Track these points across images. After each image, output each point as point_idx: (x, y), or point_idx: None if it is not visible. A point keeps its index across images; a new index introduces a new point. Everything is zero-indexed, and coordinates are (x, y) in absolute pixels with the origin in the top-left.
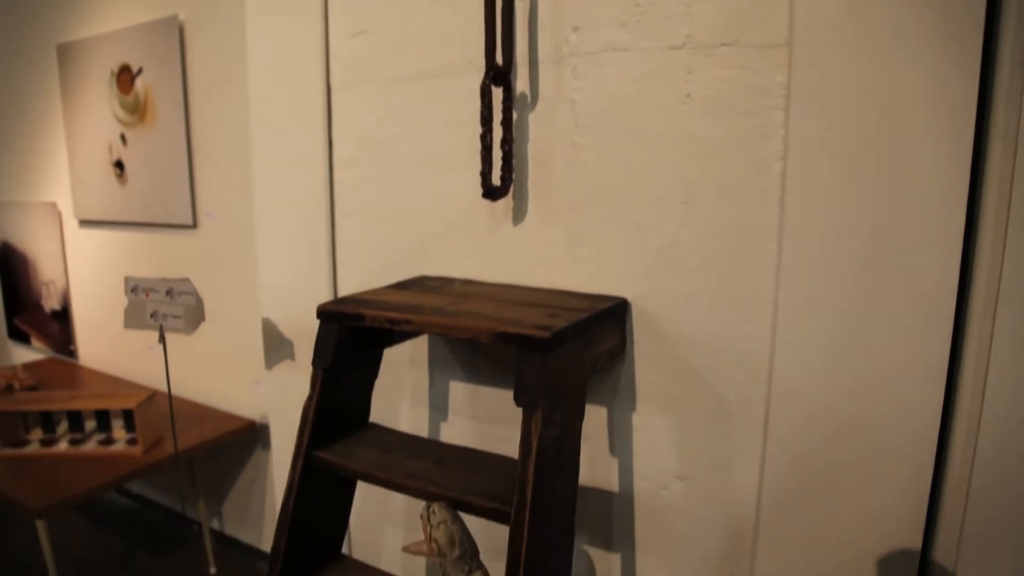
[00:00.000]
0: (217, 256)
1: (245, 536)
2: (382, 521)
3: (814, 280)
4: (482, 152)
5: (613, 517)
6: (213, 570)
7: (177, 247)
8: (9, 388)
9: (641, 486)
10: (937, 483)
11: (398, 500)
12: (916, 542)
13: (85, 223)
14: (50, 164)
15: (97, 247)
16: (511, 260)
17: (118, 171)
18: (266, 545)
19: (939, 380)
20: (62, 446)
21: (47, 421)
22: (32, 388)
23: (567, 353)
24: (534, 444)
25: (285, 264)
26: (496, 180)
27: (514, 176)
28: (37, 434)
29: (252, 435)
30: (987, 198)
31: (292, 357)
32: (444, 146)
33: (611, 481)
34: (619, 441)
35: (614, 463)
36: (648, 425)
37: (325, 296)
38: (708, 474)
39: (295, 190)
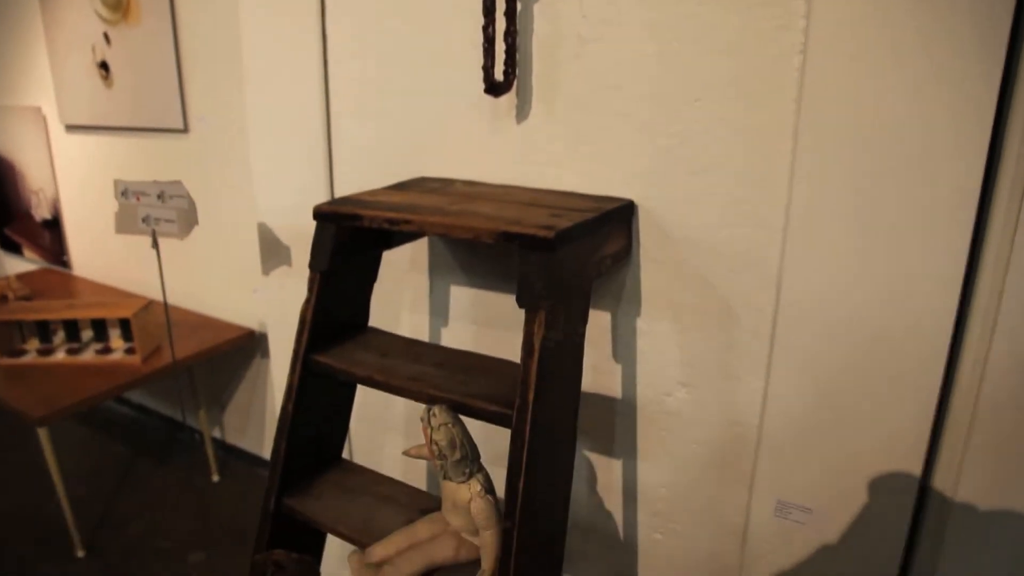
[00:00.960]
0: (210, 161)
1: (246, 444)
2: (382, 427)
3: (829, 184)
4: (484, 45)
5: (615, 423)
6: (215, 478)
7: (169, 153)
8: (3, 299)
9: (644, 393)
10: (944, 404)
11: (398, 405)
12: (917, 466)
13: (72, 128)
14: (31, 65)
15: (85, 154)
16: (514, 160)
17: (103, 73)
18: (267, 453)
19: (954, 292)
20: (59, 356)
21: (43, 331)
22: (26, 298)
23: (571, 254)
24: (536, 346)
25: (280, 167)
26: (499, 75)
27: (518, 71)
28: (34, 344)
29: (251, 343)
30: (1018, 98)
31: (289, 263)
32: (445, 40)
33: (614, 387)
34: (622, 347)
35: (617, 369)
36: (652, 331)
37: (322, 199)
38: (712, 382)
39: (289, 89)
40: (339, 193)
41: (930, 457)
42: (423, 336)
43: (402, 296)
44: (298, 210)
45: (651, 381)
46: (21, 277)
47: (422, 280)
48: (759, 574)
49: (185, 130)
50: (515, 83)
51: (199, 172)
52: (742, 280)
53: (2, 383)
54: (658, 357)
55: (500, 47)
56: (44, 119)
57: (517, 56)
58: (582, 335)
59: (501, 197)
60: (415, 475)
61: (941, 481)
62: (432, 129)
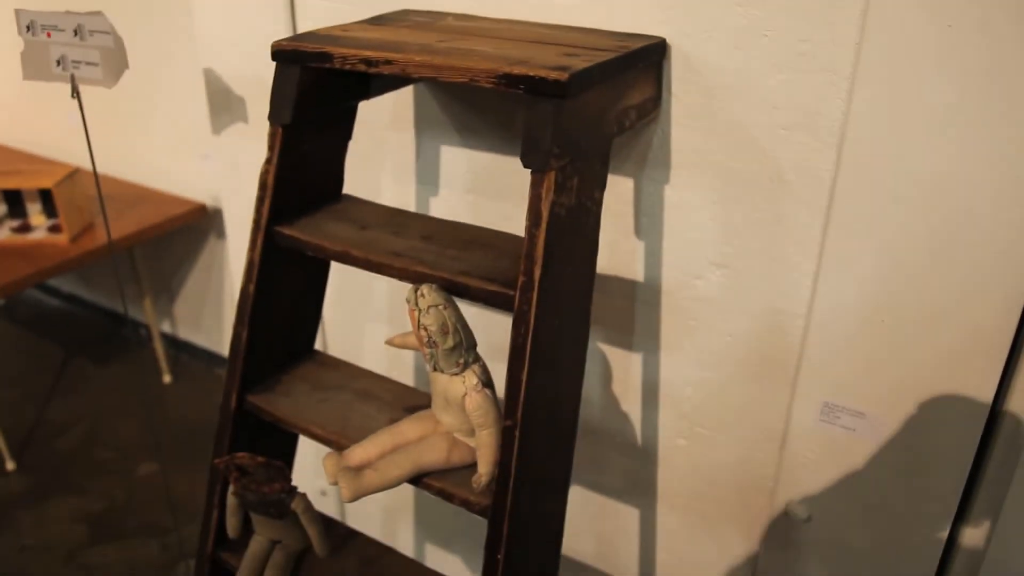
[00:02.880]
0: None
1: (202, 340)
2: (361, 315)
3: (913, 16)
4: None
5: (635, 310)
6: (166, 378)
7: None
8: None
9: (670, 275)
10: None
11: (381, 289)
12: (994, 377)
13: None
14: None
15: None
16: None
17: None
18: (227, 350)
19: None
20: None
21: None
22: None
23: (588, 103)
24: (545, 214)
25: None
26: None
27: None
28: None
29: (203, 221)
30: None
31: (245, 119)
32: None
33: (634, 268)
34: (647, 220)
35: (639, 247)
36: (683, 201)
37: (283, 36)
38: (753, 263)
39: None
40: (303, 29)
41: (1009, 368)
42: (409, 207)
43: (383, 159)
44: (253, 51)
45: (679, 261)
46: None
47: (407, 140)
48: (798, 486)
49: None
50: None
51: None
52: (796, 138)
53: None
54: (689, 233)
55: None
56: None
57: None
58: (599, 203)
59: (502, 34)
60: (401, 371)
61: (1019, 401)
62: None
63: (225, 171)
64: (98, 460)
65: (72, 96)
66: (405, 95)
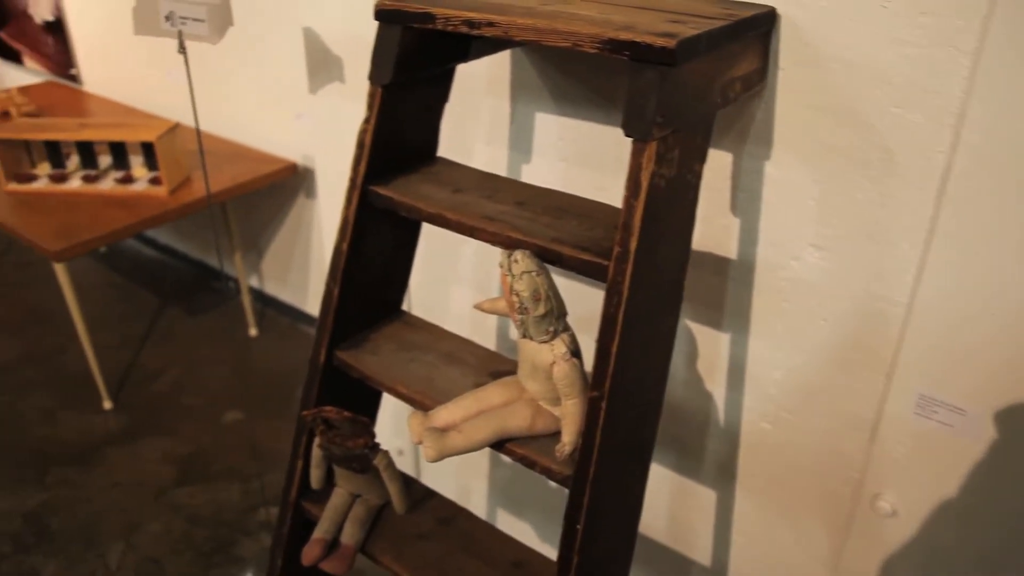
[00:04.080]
0: None
1: (287, 296)
2: (447, 278)
3: None
4: None
5: (726, 289)
6: (253, 331)
7: None
8: (5, 115)
9: (766, 253)
10: None
11: (467, 253)
12: None
13: None
14: None
15: None
16: None
17: None
18: (311, 307)
19: None
20: (74, 183)
21: (54, 154)
22: (32, 115)
23: (694, 72)
24: (644, 184)
25: None
26: None
27: None
28: (44, 168)
29: (294, 179)
30: None
31: (341, 79)
32: None
33: (728, 245)
34: (744, 196)
35: (734, 223)
36: (784, 178)
37: None
38: (854, 245)
39: None
40: None
41: None
42: (500, 173)
43: (476, 123)
44: (353, 11)
45: (776, 240)
46: (24, 91)
47: (501, 105)
48: (886, 480)
49: None
50: None
51: None
52: (911, 117)
53: (13, 211)
54: (788, 211)
55: None
56: None
57: None
58: (699, 176)
59: None
60: (483, 335)
61: None
62: None
63: (320, 130)
64: (187, 405)
65: (179, 51)
66: (502, 59)
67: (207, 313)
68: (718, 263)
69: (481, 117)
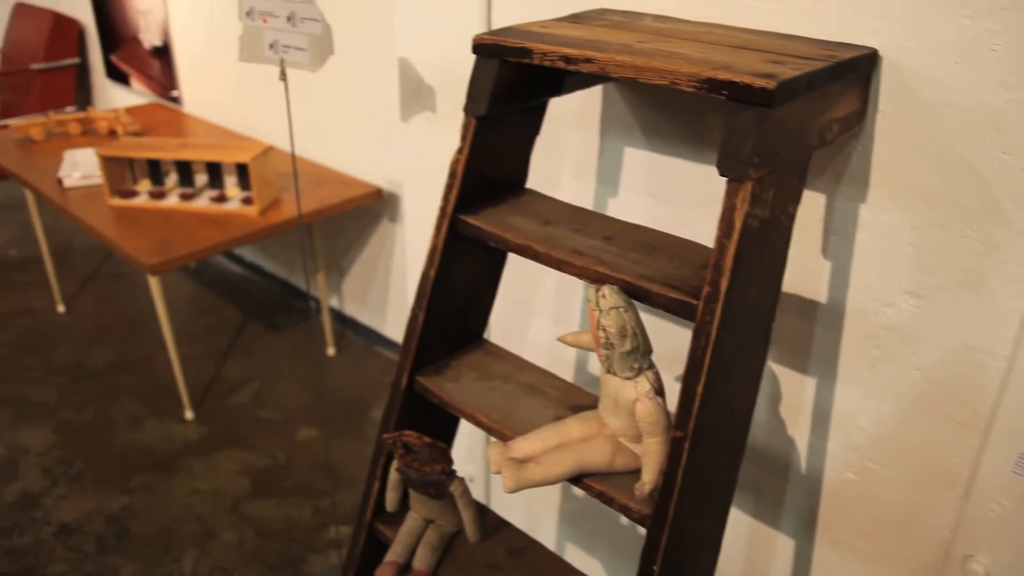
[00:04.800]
0: None
1: (366, 318)
2: (527, 309)
3: None
4: None
5: (815, 333)
6: (331, 351)
7: None
8: (112, 133)
9: (857, 299)
10: None
11: (549, 284)
12: None
13: None
14: None
15: None
16: None
17: None
18: (389, 330)
19: None
20: (172, 200)
21: (155, 172)
22: (137, 134)
23: (793, 113)
24: (737, 224)
25: None
26: None
27: None
28: (145, 185)
29: (379, 204)
30: None
31: (432, 108)
32: None
33: (818, 288)
34: (837, 238)
35: (825, 267)
36: (879, 222)
37: (476, 32)
38: (952, 294)
39: None
40: (497, 24)
41: None
42: (586, 206)
43: (564, 156)
44: (447, 44)
45: (869, 286)
46: (130, 111)
47: (591, 138)
48: (979, 540)
49: None
50: None
51: None
52: (1019, 164)
53: (114, 225)
54: (883, 256)
55: None
56: None
57: None
58: (792, 218)
59: (702, 37)
60: (562, 367)
61: None
62: None
63: (408, 157)
64: (264, 419)
65: (280, 78)
66: (593, 94)
67: (287, 330)
68: (807, 306)
69: (570, 150)
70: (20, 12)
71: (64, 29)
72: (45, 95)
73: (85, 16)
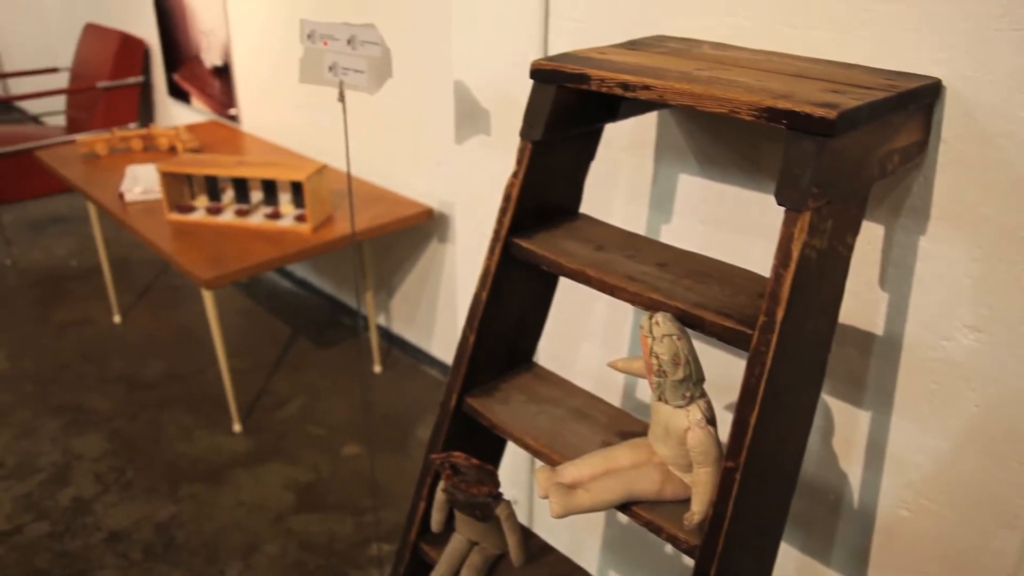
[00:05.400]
0: (397, 5)
1: (412, 337)
2: (575, 332)
3: None
4: None
5: (870, 366)
6: (377, 368)
7: None
8: (172, 149)
9: (915, 332)
10: None
11: (598, 309)
12: None
13: None
14: None
15: None
16: (779, 19)
17: None
18: (435, 349)
19: None
20: (228, 216)
21: (212, 188)
22: (195, 151)
23: (853, 144)
24: (795, 254)
25: (485, 15)
26: None
27: None
28: (203, 201)
29: (429, 224)
30: None
31: (487, 131)
32: None
33: (875, 320)
34: (895, 270)
35: (883, 298)
36: (939, 254)
37: (532, 57)
38: (1014, 329)
39: None
40: (553, 50)
41: None
42: (639, 231)
43: (618, 181)
44: (503, 68)
45: (927, 319)
46: (190, 128)
47: (644, 164)
48: None
49: None
50: None
51: (384, 16)
52: None
53: (172, 239)
54: (942, 289)
55: None
56: None
57: None
58: (850, 249)
59: (761, 65)
60: (610, 392)
61: None
62: None
63: (460, 179)
64: (310, 434)
65: (338, 100)
66: (647, 119)
67: (335, 346)
68: (862, 338)
69: (623, 175)
70: (90, 32)
71: (130, 49)
72: (110, 112)
73: (150, 36)
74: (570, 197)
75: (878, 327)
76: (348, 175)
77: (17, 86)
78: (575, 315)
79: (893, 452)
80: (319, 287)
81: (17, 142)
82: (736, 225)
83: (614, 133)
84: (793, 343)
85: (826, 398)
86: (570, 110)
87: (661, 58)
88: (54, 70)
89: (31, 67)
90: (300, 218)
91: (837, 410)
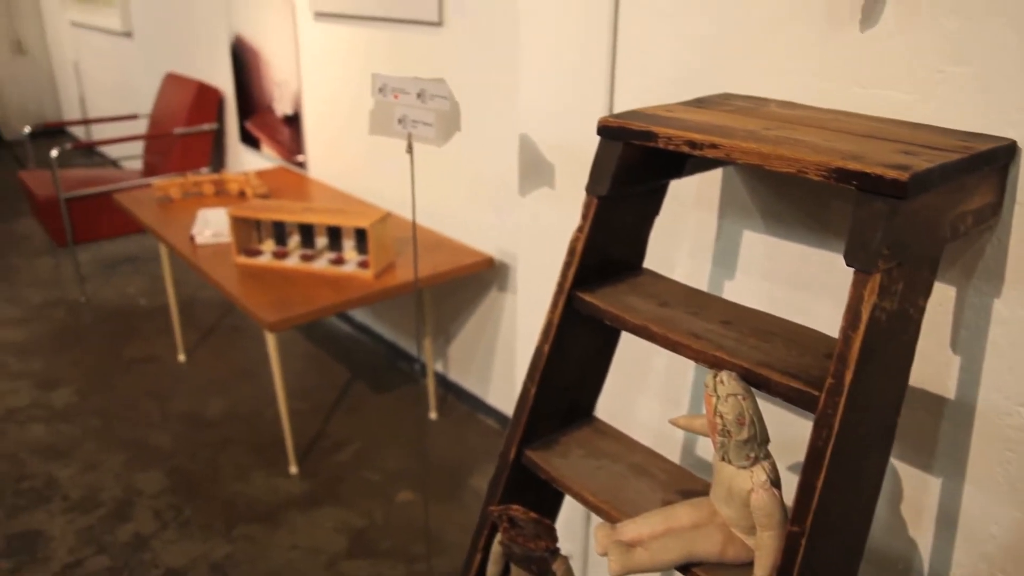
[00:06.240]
0: (465, 59)
1: (469, 384)
2: (635, 387)
3: None
4: None
5: (940, 431)
6: (433, 415)
7: (419, 47)
8: (242, 194)
9: (989, 397)
10: None
11: (659, 364)
12: None
13: (321, 16)
14: None
15: (332, 44)
16: (849, 78)
17: None
18: (492, 398)
19: None
20: (293, 261)
21: (279, 233)
22: (264, 197)
23: (925, 206)
24: (864, 316)
25: (552, 71)
26: None
27: None
28: (269, 245)
29: (489, 272)
30: None
31: (551, 184)
32: None
33: (946, 384)
34: (967, 334)
35: (954, 362)
36: (1015, 318)
37: (598, 113)
38: None
39: None
40: (619, 107)
41: None
42: (701, 287)
43: (681, 236)
44: (568, 123)
45: (1001, 384)
46: (259, 174)
47: (708, 220)
48: None
49: (439, 23)
50: None
51: (451, 69)
52: None
53: (239, 282)
54: (1017, 354)
55: None
56: (292, 4)
57: None
58: (922, 311)
59: (829, 124)
60: (669, 448)
61: None
62: (742, 34)
63: (524, 230)
64: (365, 479)
65: (406, 151)
66: (713, 176)
67: (392, 392)
68: (933, 401)
69: (687, 230)
70: (170, 81)
71: (206, 97)
72: (184, 157)
73: (226, 85)
74: (634, 252)
75: (950, 391)
76: (413, 225)
77: (99, 131)
78: (635, 369)
79: (966, 521)
80: (377, 332)
81: (97, 185)
82: (801, 283)
83: (678, 187)
84: (861, 406)
85: (895, 462)
86: (636, 166)
87: (728, 116)
88: (134, 116)
89: (113, 113)
90: (363, 264)
91: (907, 475)
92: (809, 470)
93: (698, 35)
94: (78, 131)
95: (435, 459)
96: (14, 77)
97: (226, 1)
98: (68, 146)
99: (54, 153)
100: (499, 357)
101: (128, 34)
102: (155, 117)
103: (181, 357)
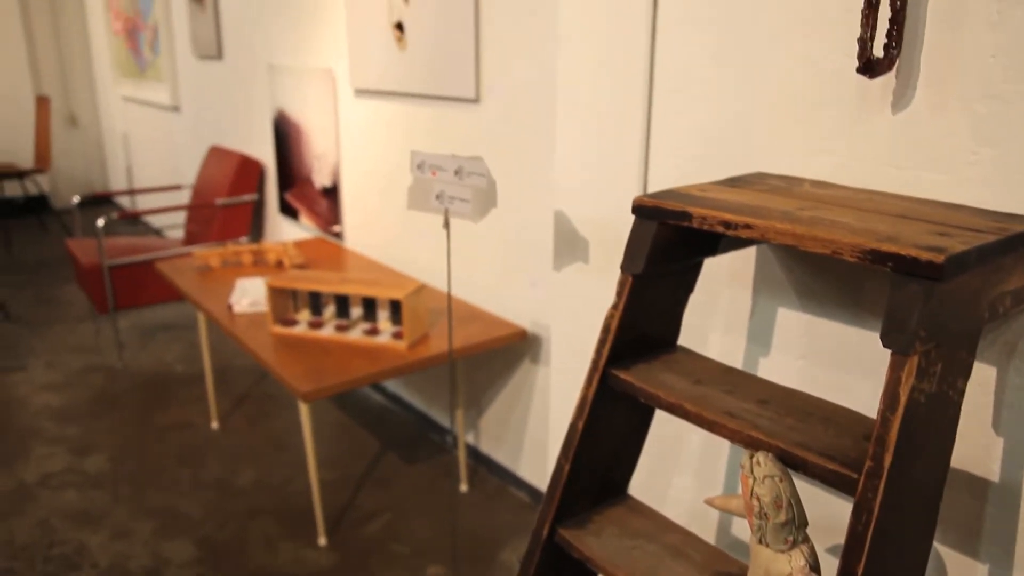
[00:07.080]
0: (501, 136)
1: (501, 457)
2: (669, 465)
3: None
4: (864, 10)
5: (985, 514)
6: (463, 487)
7: (456, 123)
8: (279, 264)
9: None
10: None
11: (693, 442)
12: None
13: (360, 92)
14: (327, 25)
15: (370, 119)
16: (882, 159)
17: (398, 33)
18: (524, 471)
19: None
20: (328, 331)
21: (315, 303)
22: (301, 267)
23: (962, 287)
24: (902, 399)
25: (587, 150)
26: (878, 50)
27: (903, 44)
28: (305, 315)
29: (522, 345)
30: None
31: (585, 259)
32: (807, 3)
33: (990, 467)
34: (1010, 414)
35: (997, 443)
36: None
37: (632, 191)
38: None
39: (606, 60)
40: (653, 185)
41: None
42: (735, 364)
43: (715, 313)
44: (603, 201)
45: None
46: (297, 244)
47: (743, 297)
48: None
49: (476, 100)
50: (898, 60)
51: (487, 145)
52: None
53: (274, 351)
54: None
55: (884, 13)
56: (334, 81)
57: (905, 24)
58: (961, 393)
59: (863, 205)
60: (703, 527)
61: None
62: (775, 114)
63: (558, 304)
64: (394, 552)
65: (443, 226)
66: (747, 254)
67: (422, 463)
68: (976, 484)
69: (721, 307)
70: (214, 154)
71: (248, 169)
72: (225, 226)
73: (267, 158)
74: (668, 329)
75: (994, 473)
76: (448, 298)
77: (145, 201)
78: (669, 446)
79: None
80: (409, 402)
81: (139, 253)
82: (837, 362)
83: (712, 263)
84: (902, 489)
85: (939, 548)
86: (671, 245)
87: (762, 196)
88: (178, 187)
89: (159, 184)
90: (397, 335)
91: (951, 561)
92: (849, 556)
93: (732, 114)
94: (124, 200)
95: (465, 532)
96: (67, 150)
97: (271, 78)
98: (114, 215)
99: (100, 222)
100: (531, 430)
101: (176, 108)
102: (198, 188)
103: (215, 424)
